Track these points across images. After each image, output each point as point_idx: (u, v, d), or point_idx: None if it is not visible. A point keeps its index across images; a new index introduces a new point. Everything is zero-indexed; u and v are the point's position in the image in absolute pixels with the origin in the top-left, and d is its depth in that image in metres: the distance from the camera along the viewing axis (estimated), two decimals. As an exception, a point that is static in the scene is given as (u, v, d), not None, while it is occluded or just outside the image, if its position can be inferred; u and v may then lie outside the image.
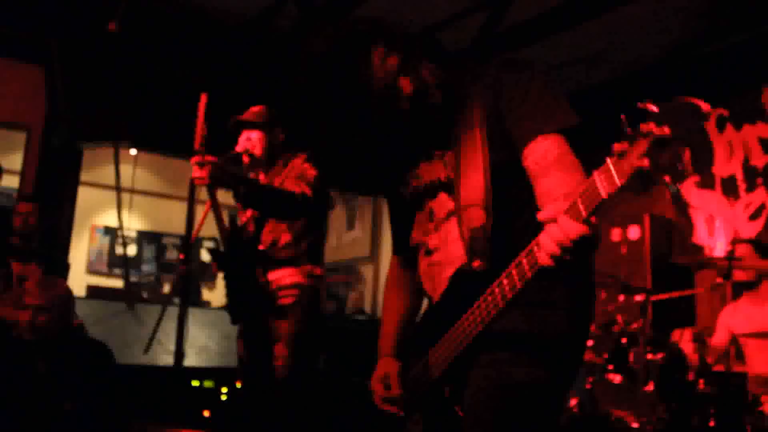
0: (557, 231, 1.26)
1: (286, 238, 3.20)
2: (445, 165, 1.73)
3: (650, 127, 1.12)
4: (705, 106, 1.11)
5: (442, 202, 1.75)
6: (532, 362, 1.59)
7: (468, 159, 1.67)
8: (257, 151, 3.34)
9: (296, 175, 3.15)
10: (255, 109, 3.41)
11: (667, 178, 1.13)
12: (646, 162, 1.12)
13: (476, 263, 1.60)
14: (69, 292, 3.31)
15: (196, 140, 2.83)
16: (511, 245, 1.53)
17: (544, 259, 1.30)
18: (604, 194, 1.18)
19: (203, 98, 2.79)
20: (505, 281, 1.43)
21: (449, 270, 1.68)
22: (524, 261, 1.37)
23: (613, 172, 1.16)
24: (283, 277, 3.15)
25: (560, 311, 1.63)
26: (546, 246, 1.29)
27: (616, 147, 1.16)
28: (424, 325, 1.81)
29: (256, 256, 3.16)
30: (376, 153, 1.96)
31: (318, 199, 3.10)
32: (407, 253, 1.93)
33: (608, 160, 1.17)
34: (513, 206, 1.65)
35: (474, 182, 1.64)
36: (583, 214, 1.23)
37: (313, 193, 3.07)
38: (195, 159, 2.83)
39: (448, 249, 1.71)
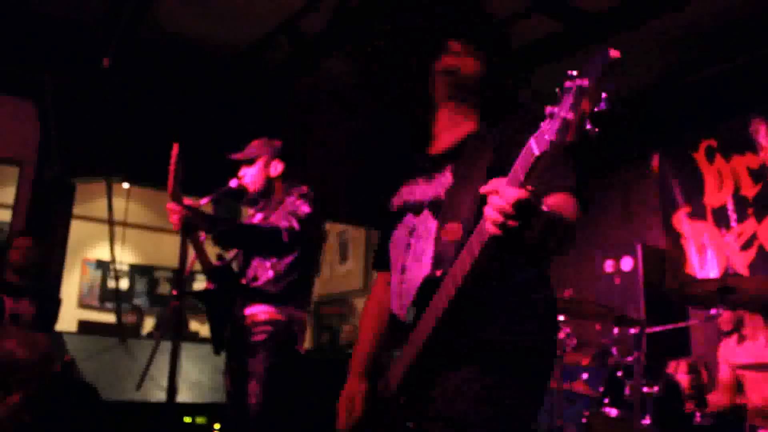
0: (497, 198, 1.29)
1: (267, 275, 3.15)
2: (437, 188, 1.77)
3: (572, 82, 1.19)
4: (614, 53, 1.18)
5: (424, 220, 1.78)
6: (502, 370, 1.62)
7: (462, 187, 1.70)
8: (252, 186, 3.34)
9: (288, 211, 3.14)
10: (254, 143, 3.42)
11: (589, 126, 1.19)
12: (571, 114, 1.17)
13: (439, 271, 1.62)
14: (50, 348, 3.28)
15: (168, 188, 2.84)
16: None
17: (490, 228, 1.32)
18: (537, 152, 1.23)
19: (175, 148, 2.83)
20: (457, 263, 1.48)
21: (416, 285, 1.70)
22: (473, 239, 1.42)
23: (545, 130, 1.21)
24: (258, 313, 3.10)
25: (530, 321, 1.67)
26: (489, 215, 1.31)
27: (548, 109, 1.22)
28: (392, 343, 1.82)
29: (236, 290, 3.13)
30: (387, 161, 2.00)
31: (307, 234, 3.07)
32: (386, 268, 1.95)
33: (541, 124, 1.23)
34: None
35: (462, 204, 1.67)
36: (521, 177, 1.27)
37: (302, 227, 3.04)
38: (169, 205, 2.87)
39: (420, 266, 1.74)
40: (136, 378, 3.13)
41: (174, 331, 2.98)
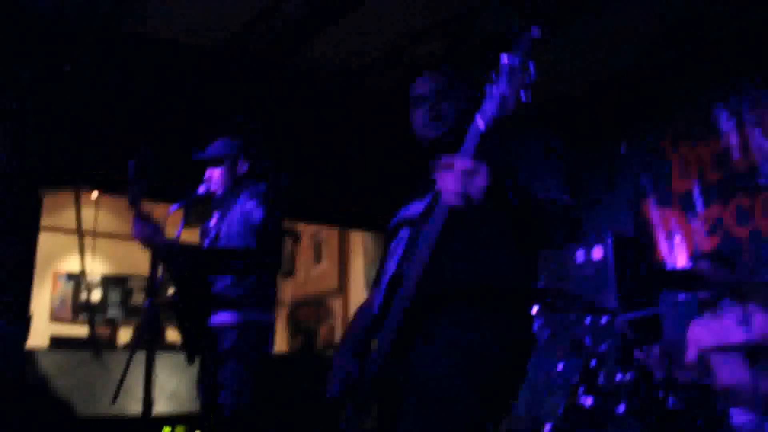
0: (449, 171, 1.49)
1: (225, 280, 3.09)
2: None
3: (504, 61, 1.42)
4: (536, 31, 1.42)
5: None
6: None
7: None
8: (218, 189, 3.29)
9: (241, 219, 3.08)
10: (217, 142, 3.35)
11: (524, 97, 1.42)
12: (507, 91, 1.42)
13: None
14: None
15: (128, 199, 2.86)
16: None
17: (447, 197, 1.53)
18: (482, 128, 1.47)
19: (135, 158, 2.81)
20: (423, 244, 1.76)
21: None
22: (437, 213, 1.71)
23: (486, 108, 1.50)
24: (222, 320, 3.05)
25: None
26: (443, 186, 1.51)
27: (486, 88, 1.48)
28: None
29: (199, 299, 3.09)
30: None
31: (266, 245, 2.99)
32: None
33: (483, 101, 1.51)
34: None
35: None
36: (471, 152, 1.50)
37: (259, 241, 2.97)
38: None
39: (393, 264, 1.97)
40: (112, 392, 3.09)
41: (148, 341, 2.95)
